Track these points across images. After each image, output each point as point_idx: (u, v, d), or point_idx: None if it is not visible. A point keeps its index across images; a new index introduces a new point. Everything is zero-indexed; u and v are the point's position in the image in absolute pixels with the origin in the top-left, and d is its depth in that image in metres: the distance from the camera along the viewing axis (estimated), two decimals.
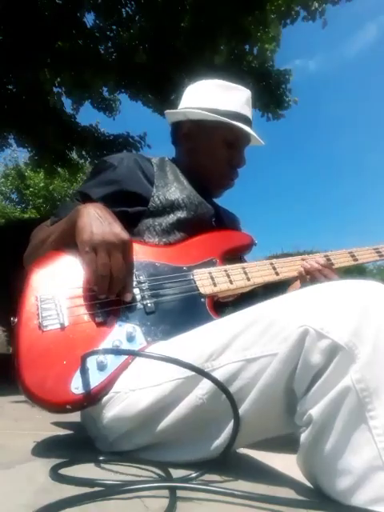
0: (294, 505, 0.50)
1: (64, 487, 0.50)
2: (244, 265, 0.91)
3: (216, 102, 1.05)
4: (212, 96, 1.08)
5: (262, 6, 4.07)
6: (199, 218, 0.98)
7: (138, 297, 0.80)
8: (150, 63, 4.63)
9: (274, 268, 0.92)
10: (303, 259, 0.96)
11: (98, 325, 0.74)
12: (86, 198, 0.92)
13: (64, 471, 0.55)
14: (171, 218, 0.94)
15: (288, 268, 0.94)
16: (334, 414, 0.52)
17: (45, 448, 0.76)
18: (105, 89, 5.17)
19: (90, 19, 4.79)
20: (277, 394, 0.59)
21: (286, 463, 0.74)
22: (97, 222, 0.76)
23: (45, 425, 1.07)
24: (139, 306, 0.78)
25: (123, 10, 4.57)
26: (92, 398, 0.67)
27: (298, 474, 0.63)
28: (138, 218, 0.94)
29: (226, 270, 0.88)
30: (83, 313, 0.75)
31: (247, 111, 1.08)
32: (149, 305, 0.79)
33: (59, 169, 6.31)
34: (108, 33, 4.77)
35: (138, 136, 5.96)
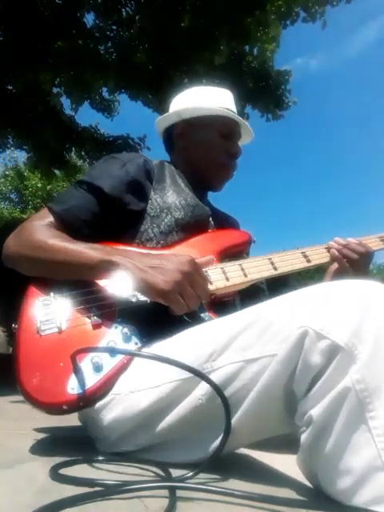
0: (294, 505, 0.50)
1: (64, 487, 0.50)
2: (241, 261, 0.90)
3: (204, 101, 1.09)
4: (200, 97, 1.12)
5: (262, 7, 4.08)
6: (196, 220, 0.98)
7: (134, 298, 0.79)
8: (150, 63, 4.63)
9: (273, 263, 0.91)
10: (303, 253, 0.95)
11: (95, 327, 0.75)
12: (94, 190, 0.90)
13: (64, 471, 0.55)
14: (169, 219, 0.94)
15: (287, 262, 0.93)
16: (334, 415, 0.52)
17: (45, 448, 0.76)
18: (105, 89, 5.17)
19: (89, 19, 4.80)
20: (276, 395, 0.59)
21: (285, 463, 0.74)
22: (153, 271, 0.74)
23: (45, 425, 1.07)
24: (135, 306, 0.78)
25: (123, 9, 4.58)
26: (88, 399, 0.67)
27: (297, 474, 0.63)
28: (137, 219, 0.93)
29: (222, 268, 0.88)
30: (80, 316, 0.76)
31: (233, 108, 1.13)
32: (145, 305, 0.78)
33: (56, 171, 6.29)
34: (108, 33, 4.78)
35: (138, 138, 5.96)
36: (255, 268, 0.90)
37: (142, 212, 0.93)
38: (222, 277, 0.86)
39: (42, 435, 0.91)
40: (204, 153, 1.08)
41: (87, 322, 0.76)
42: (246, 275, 0.88)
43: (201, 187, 1.08)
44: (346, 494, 0.51)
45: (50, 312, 0.76)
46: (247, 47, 4.84)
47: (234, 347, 0.62)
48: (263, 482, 0.60)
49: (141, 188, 0.95)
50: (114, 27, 4.75)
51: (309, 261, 0.95)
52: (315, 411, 0.53)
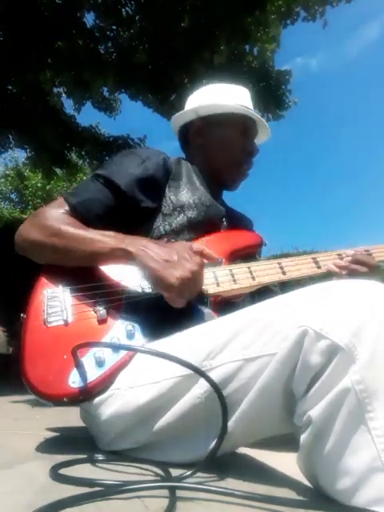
0: (294, 505, 0.50)
1: (64, 487, 0.50)
2: (250, 264, 0.89)
3: (222, 98, 1.08)
4: (217, 94, 1.11)
5: (262, 7, 4.08)
6: (209, 220, 0.97)
7: (140, 289, 0.80)
8: (150, 63, 4.63)
9: (282, 267, 0.90)
10: (314, 258, 0.93)
11: (100, 322, 0.76)
12: (110, 185, 0.91)
13: (64, 471, 0.55)
14: (181, 218, 0.94)
15: (296, 267, 0.91)
16: (333, 415, 0.52)
17: (45, 448, 0.76)
18: (105, 89, 5.18)
19: (90, 19, 4.80)
20: (275, 394, 0.59)
21: (285, 462, 0.74)
22: (167, 265, 0.75)
23: (45, 425, 1.08)
24: (141, 303, 0.79)
25: (123, 9, 4.58)
26: (88, 393, 0.68)
27: (297, 474, 0.63)
28: (150, 215, 0.93)
29: (230, 270, 0.87)
30: (86, 310, 0.78)
31: (251, 105, 1.12)
32: (151, 303, 0.79)
33: (58, 170, 6.30)
34: (108, 33, 4.78)
35: (138, 138, 5.97)
36: (264, 271, 0.89)
37: (155, 209, 0.94)
38: (229, 279, 0.86)
39: (42, 435, 0.91)
40: (222, 151, 1.07)
41: (93, 316, 0.77)
42: (253, 278, 0.87)
43: (216, 186, 1.08)
44: (345, 494, 0.51)
45: (57, 304, 0.77)
46: (247, 47, 4.84)
47: (234, 346, 0.62)
48: (263, 481, 0.60)
49: (156, 186, 0.95)
50: (114, 27, 4.75)
51: (319, 267, 0.93)
52: (314, 412, 0.53)
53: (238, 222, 1.13)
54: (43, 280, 0.82)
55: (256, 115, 1.08)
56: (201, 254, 0.80)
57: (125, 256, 0.77)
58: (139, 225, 0.92)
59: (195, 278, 0.75)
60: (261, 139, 1.17)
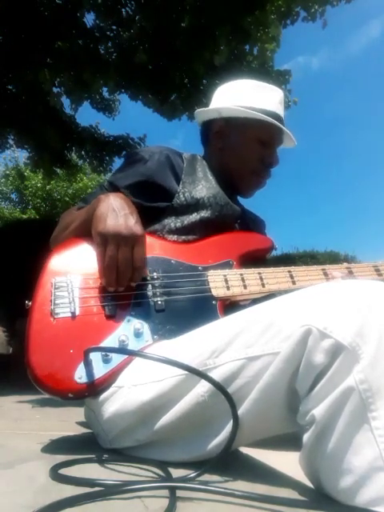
0: (294, 505, 0.50)
1: (64, 487, 0.50)
2: (261, 270, 0.89)
3: (250, 100, 1.04)
4: (246, 94, 1.06)
5: (262, 7, 4.08)
6: (223, 219, 0.97)
7: (150, 293, 0.80)
8: (150, 63, 4.63)
9: (292, 276, 0.90)
10: (323, 270, 0.93)
11: (108, 318, 0.75)
12: (113, 188, 0.94)
13: (64, 471, 0.55)
14: (194, 216, 0.94)
15: (306, 278, 0.91)
16: (336, 414, 0.52)
17: (45, 448, 0.76)
18: (105, 89, 5.19)
19: (89, 19, 4.80)
20: (278, 393, 0.59)
21: (286, 462, 0.74)
22: (113, 213, 0.78)
23: (45, 425, 1.08)
24: (150, 302, 0.79)
25: (123, 10, 4.58)
26: (94, 389, 0.68)
27: (298, 474, 0.63)
28: (161, 213, 0.94)
29: (241, 274, 0.87)
30: (94, 304, 0.77)
31: (281, 111, 1.07)
32: (159, 302, 0.80)
33: (58, 170, 6.30)
34: (108, 33, 4.78)
35: (138, 137, 5.98)
36: (274, 279, 0.89)
37: (164, 207, 0.94)
38: (240, 283, 0.86)
39: (42, 435, 0.91)
40: (238, 158, 1.05)
41: (101, 311, 0.76)
42: (263, 285, 0.87)
43: (230, 189, 1.06)
44: (346, 493, 0.51)
45: (65, 295, 0.76)
46: (247, 47, 4.84)
47: (237, 344, 0.62)
48: (264, 481, 0.60)
49: (161, 185, 0.94)
50: (114, 27, 4.75)
51: (328, 279, 0.92)
52: (318, 410, 0.53)
53: (251, 223, 1.13)
54: (51, 267, 0.80)
55: (280, 125, 1.03)
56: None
57: (96, 203, 0.82)
58: (148, 222, 0.91)
59: (121, 241, 0.76)
60: (286, 145, 1.13)
